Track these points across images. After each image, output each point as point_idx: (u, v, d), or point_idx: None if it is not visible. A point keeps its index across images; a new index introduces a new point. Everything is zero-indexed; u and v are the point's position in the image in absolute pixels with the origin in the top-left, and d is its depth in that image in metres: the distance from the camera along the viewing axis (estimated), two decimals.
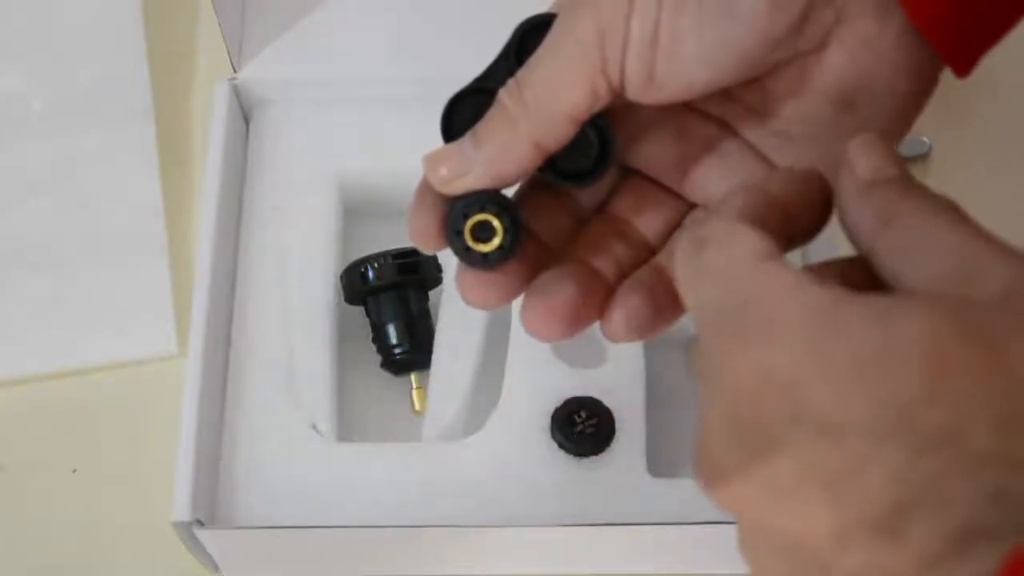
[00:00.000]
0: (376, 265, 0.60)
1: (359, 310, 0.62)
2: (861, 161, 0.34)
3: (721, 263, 0.32)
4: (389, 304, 0.61)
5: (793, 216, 0.35)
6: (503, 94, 0.38)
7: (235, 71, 0.65)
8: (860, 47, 0.38)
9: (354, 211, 0.65)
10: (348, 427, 0.60)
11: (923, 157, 0.68)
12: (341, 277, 0.62)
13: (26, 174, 0.68)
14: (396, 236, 0.56)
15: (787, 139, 0.40)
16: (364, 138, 0.65)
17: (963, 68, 0.38)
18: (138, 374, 0.63)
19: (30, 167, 0.68)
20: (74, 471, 0.62)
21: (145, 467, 0.61)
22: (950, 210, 0.32)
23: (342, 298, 0.62)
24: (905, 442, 0.28)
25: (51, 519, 0.60)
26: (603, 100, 0.38)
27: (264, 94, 0.65)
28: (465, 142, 0.38)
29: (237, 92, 0.64)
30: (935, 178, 0.67)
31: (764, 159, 0.41)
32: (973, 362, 0.28)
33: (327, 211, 0.63)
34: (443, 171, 0.38)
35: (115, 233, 0.66)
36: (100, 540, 0.60)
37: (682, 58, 0.37)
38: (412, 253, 0.61)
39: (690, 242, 0.34)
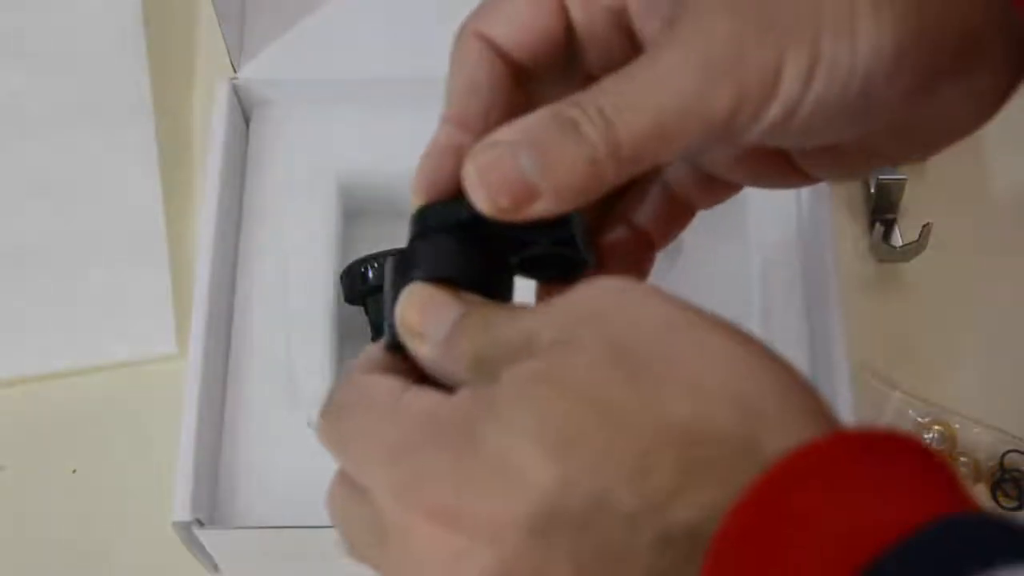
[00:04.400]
0: (376, 265, 0.60)
1: (359, 310, 0.62)
2: (429, 325, 0.35)
3: (363, 424, 0.34)
4: None
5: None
6: (579, 116, 0.33)
7: (235, 71, 0.65)
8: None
9: (354, 211, 0.65)
10: None
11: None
12: (341, 277, 0.61)
13: (26, 174, 0.68)
14: (396, 236, 0.56)
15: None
16: (364, 138, 0.65)
17: None
18: (138, 374, 0.63)
19: (30, 167, 0.68)
20: (74, 471, 0.62)
21: (145, 467, 0.61)
22: (523, 311, 0.33)
23: (342, 298, 0.62)
24: (558, 529, 0.28)
25: (51, 519, 0.60)
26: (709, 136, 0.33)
27: (264, 94, 0.65)
28: (522, 163, 0.33)
29: (237, 92, 0.64)
30: (934, 178, 0.67)
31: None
32: (585, 428, 0.29)
33: (327, 211, 0.63)
34: (503, 202, 0.33)
35: (115, 233, 0.66)
36: (100, 540, 0.60)
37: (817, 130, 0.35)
38: None
39: (327, 414, 0.35)
